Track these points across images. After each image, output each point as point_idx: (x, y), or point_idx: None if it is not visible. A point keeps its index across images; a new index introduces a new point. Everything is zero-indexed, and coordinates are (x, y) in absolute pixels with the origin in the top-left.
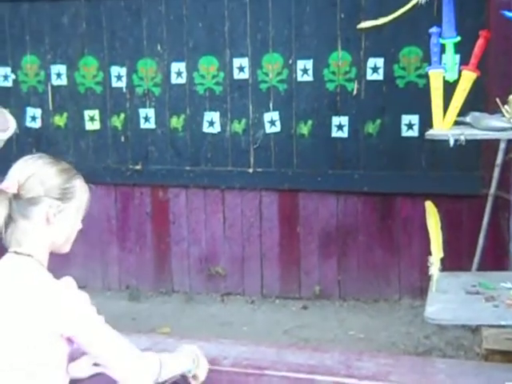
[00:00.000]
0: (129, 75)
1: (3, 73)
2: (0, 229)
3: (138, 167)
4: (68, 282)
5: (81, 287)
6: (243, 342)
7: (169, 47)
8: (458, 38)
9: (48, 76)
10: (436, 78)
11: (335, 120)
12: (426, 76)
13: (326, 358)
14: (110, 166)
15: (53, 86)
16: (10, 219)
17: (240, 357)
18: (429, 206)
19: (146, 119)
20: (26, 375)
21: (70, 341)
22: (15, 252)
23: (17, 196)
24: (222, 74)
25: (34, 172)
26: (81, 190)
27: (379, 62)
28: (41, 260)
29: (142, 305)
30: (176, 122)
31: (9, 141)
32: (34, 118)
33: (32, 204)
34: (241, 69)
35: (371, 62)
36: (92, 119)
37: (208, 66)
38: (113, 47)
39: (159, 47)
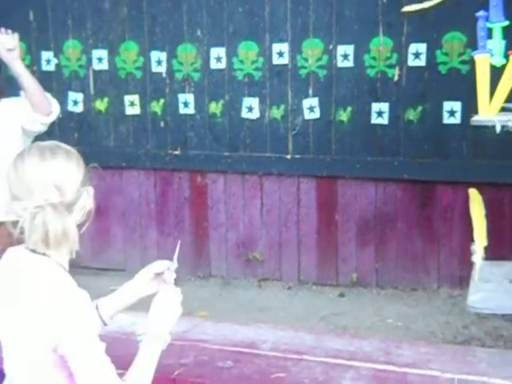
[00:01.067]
0: (169, 60)
1: (46, 57)
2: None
3: (177, 152)
4: (81, 296)
5: (120, 270)
6: (282, 327)
7: (209, 32)
8: (506, 22)
9: (89, 61)
10: (482, 63)
11: (375, 106)
12: (470, 62)
13: (365, 345)
14: (150, 151)
15: (94, 71)
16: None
17: (279, 341)
18: (473, 193)
19: (185, 104)
20: (23, 375)
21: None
22: (33, 250)
23: (61, 203)
24: (261, 60)
25: (64, 173)
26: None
27: (421, 47)
28: (64, 257)
29: (179, 288)
30: (215, 107)
31: (51, 125)
32: (75, 103)
33: (74, 204)
34: (280, 54)
35: (413, 47)
36: (132, 104)
37: (247, 51)
38: (153, 32)
39: (199, 32)
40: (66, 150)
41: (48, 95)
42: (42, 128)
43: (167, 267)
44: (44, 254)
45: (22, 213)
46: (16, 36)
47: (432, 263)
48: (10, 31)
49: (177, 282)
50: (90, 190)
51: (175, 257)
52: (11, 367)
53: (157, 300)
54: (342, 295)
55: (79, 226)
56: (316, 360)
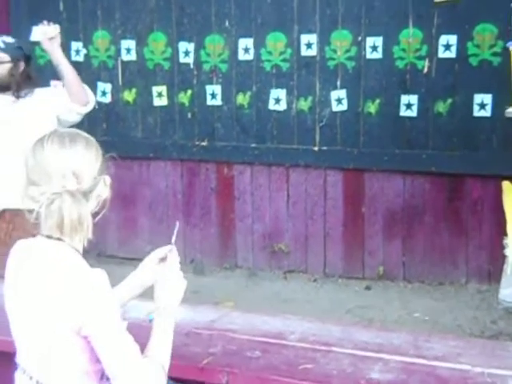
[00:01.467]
0: (196, 51)
1: (75, 47)
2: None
3: (204, 143)
4: (100, 276)
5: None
6: (309, 318)
7: (237, 23)
8: None
9: (118, 51)
10: None
11: (404, 99)
12: (501, 54)
13: (394, 338)
14: (177, 142)
15: (122, 62)
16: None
17: (306, 332)
18: (506, 185)
19: (213, 96)
20: (39, 363)
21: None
22: (48, 236)
23: (78, 190)
24: (289, 51)
25: (83, 160)
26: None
27: (452, 39)
28: (78, 243)
29: (205, 279)
30: (242, 98)
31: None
32: (104, 93)
33: (91, 191)
34: (308, 45)
35: (443, 39)
36: (160, 95)
37: (275, 42)
38: (181, 23)
39: (227, 23)
40: (86, 138)
41: (85, 86)
42: (77, 118)
43: (169, 250)
44: (59, 239)
45: (39, 198)
46: (57, 26)
47: (460, 257)
48: (51, 23)
49: (202, 271)
50: (107, 179)
51: (173, 238)
52: (27, 356)
53: (160, 278)
54: (368, 288)
55: (94, 215)
56: (344, 352)
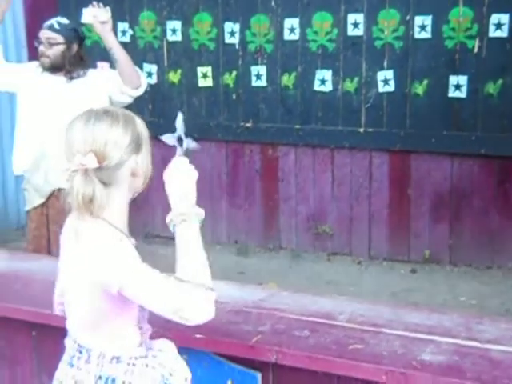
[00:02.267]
0: (242, 31)
1: (121, 28)
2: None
3: (249, 125)
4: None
5: None
6: (358, 299)
7: (282, 3)
8: None
9: (164, 32)
10: None
11: (453, 79)
12: None
13: (445, 320)
14: (222, 123)
15: (168, 42)
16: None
17: (355, 313)
18: None
19: (258, 77)
20: (92, 326)
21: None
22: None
23: (98, 169)
24: (335, 31)
25: (106, 139)
26: (142, 129)
27: (504, 18)
28: (118, 219)
29: (249, 260)
30: (287, 79)
31: None
32: (150, 74)
33: (116, 169)
34: (355, 25)
35: (494, 18)
36: (205, 76)
37: (322, 22)
38: (227, 3)
39: (273, 3)
40: (115, 115)
41: (137, 69)
42: (128, 100)
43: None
44: (99, 217)
45: (64, 175)
46: (108, 9)
47: (508, 241)
48: (101, 4)
49: (246, 252)
50: (142, 159)
51: (179, 127)
52: (73, 322)
53: (169, 177)
54: (413, 271)
55: (130, 194)
56: (394, 333)
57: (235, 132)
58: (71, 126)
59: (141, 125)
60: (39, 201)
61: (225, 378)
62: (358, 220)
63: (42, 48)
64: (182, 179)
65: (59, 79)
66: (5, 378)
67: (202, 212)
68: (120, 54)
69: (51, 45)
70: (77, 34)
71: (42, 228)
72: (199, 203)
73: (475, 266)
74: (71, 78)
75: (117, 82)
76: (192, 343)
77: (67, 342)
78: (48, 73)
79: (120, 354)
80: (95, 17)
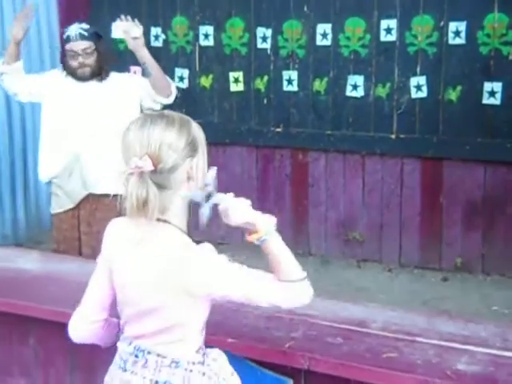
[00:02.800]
0: (274, 37)
1: (154, 33)
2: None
3: (280, 129)
4: (206, 247)
5: (222, 244)
6: (391, 307)
7: (315, 8)
8: None
9: (196, 36)
10: None
11: (487, 86)
12: None
13: (480, 330)
14: (253, 128)
15: (200, 47)
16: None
17: (389, 322)
18: None
19: (289, 82)
20: (164, 330)
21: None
22: (157, 219)
23: (154, 171)
24: (368, 36)
25: (160, 142)
26: (198, 132)
27: None
28: (181, 223)
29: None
30: (319, 85)
31: None
32: (181, 79)
33: (171, 173)
34: (388, 31)
35: None
36: (236, 81)
37: (354, 27)
38: (260, 8)
39: (306, 8)
40: (171, 119)
41: (168, 79)
42: (158, 106)
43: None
44: (165, 221)
45: (121, 177)
46: (139, 25)
47: None
48: (129, 18)
49: None
50: (197, 163)
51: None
52: (140, 326)
53: (229, 217)
54: (445, 280)
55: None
56: (429, 342)
57: (266, 137)
58: (128, 129)
59: (196, 128)
60: (70, 205)
61: (257, 383)
62: (389, 227)
63: (80, 60)
64: (238, 214)
65: (88, 84)
66: (38, 379)
67: (274, 220)
68: (153, 68)
69: (88, 54)
70: (99, 35)
71: (74, 229)
72: None
73: (508, 275)
74: (101, 80)
75: (148, 90)
76: (225, 348)
77: (120, 345)
78: (70, 78)
79: (180, 359)
80: (126, 32)
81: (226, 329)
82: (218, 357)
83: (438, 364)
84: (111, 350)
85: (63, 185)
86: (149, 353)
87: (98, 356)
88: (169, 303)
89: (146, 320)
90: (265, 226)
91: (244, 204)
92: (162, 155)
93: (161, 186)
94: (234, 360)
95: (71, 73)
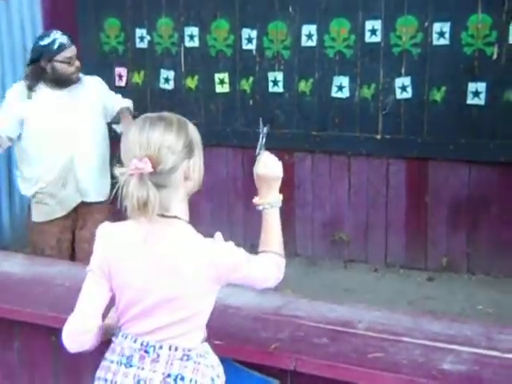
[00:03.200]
0: (259, 38)
1: (139, 34)
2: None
3: (268, 130)
4: (217, 236)
5: None
6: (377, 307)
7: (300, 9)
8: None
9: (181, 38)
10: None
11: (471, 86)
12: None
13: (465, 329)
14: (238, 129)
15: (185, 48)
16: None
17: (375, 322)
18: None
19: (275, 83)
20: (179, 322)
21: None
22: (162, 215)
23: (153, 173)
24: (353, 37)
25: (160, 144)
26: (195, 134)
27: None
28: (186, 219)
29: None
30: (304, 85)
31: (143, 102)
32: (167, 80)
33: (170, 173)
34: (373, 32)
35: None
36: (222, 82)
37: (339, 28)
38: (245, 10)
39: (291, 9)
40: (169, 121)
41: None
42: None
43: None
44: (175, 217)
45: (120, 178)
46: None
47: None
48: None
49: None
50: (193, 163)
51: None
52: (150, 322)
53: (259, 169)
54: (430, 279)
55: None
56: (414, 342)
57: (252, 138)
58: (129, 130)
59: (193, 130)
60: (61, 214)
61: None
62: (375, 227)
63: (77, 64)
64: (269, 171)
65: (60, 92)
66: (22, 383)
67: (281, 198)
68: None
69: (77, 58)
70: None
71: (66, 232)
72: (216, 208)
73: (493, 274)
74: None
75: (112, 100)
76: (211, 349)
77: (121, 343)
78: (45, 88)
79: (190, 351)
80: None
81: (213, 330)
82: (208, 350)
83: (424, 364)
84: (95, 353)
85: (56, 193)
86: (160, 347)
87: (83, 359)
88: (186, 294)
89: (157, 314)
90: (274, 198)
91: (277, 169)
92: (162, 157)
93: (160, 186)
94: (220, 361)
95: (63, 80)
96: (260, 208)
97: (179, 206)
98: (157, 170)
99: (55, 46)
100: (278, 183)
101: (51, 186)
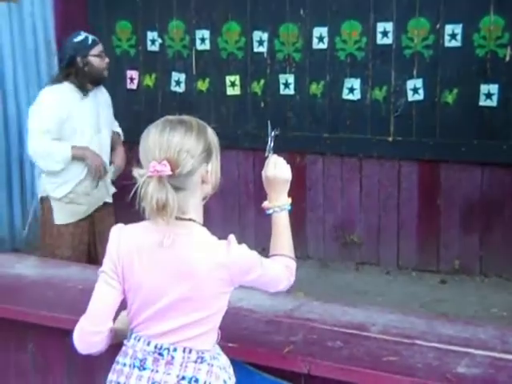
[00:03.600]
0: (270, 40)
1: (151, 37)
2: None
3: (277, 133)
4: (231, 239)
5: None
6: (390, 310)
7: (311, 11)
8: None
9: (192, 41)
10: None
11: (484, 88)
12: None
13: (480, 332)
14: (249, 132)
15: (197, 51)
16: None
17: (388, 325)
18: None
19: (286, 85)
20: (193, 324)
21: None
22: (178, 218)
23: (172, 175)
24: (364, 39)
25: (180, 147)
26: (213, 138)
27: None
28: (201, 222)
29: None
30: (315, 88)
31: (154, 104)
32: (178, 83)
33: (188, 176)
34: (384, 34)
35: None
36: (233, 84)
37: (350, 30)
38: (256, 12)
39: (302, 11)
40: (189, 125)
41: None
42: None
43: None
44: (190, 219)
45: (139, 180)
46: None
47: None
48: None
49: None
50: (211, 167)
51: (269, 145)
52: (166, 324)
53: (268, 172)
54: (443, 282)
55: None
56: (428, 345)
57: (263, 140)
58: (147, 133)
59: (212, 134)
60: (86, 214)
61: None
62: (387, 230)
63: (107, 60)
64: (277, 174)
65: (86, 94)
66: None
67: (290, 201)
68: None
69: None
70: None
71: (86, 234)
72: (227, 211)
73: (506, 277)
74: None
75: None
76: (224, 352)
77: (134, 345)
78: (76, 93)
79: (204, 353)
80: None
81: (226, 333)
82: (219, 351)
83: (438, 367)
84: (109, 356)
85: (90, 192)
86: (175, 350)
87: (96, 362)
88: (199, 296)
89: (171, 316)
90: (283, 201)
91: (286, 173)
92: (181, 160)
93: (178, 189)
94: (233, 364)
95: (97, 77)
96: (270, 212)
97: (196, 208)
98: (175, 173)
99: (89, 41)
100: (287, 186)
101: (85, 185)
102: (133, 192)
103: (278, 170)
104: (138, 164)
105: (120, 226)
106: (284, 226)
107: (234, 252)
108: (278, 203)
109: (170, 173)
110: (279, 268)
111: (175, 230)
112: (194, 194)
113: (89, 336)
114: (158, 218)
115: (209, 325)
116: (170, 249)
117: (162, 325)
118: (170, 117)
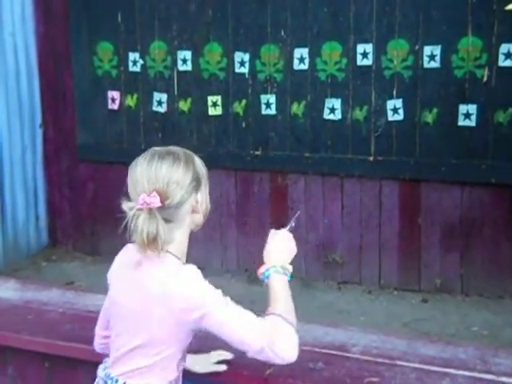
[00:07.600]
0: (252, 61)
1: (132, 58)
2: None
3: (258, 153)
4: (191, 271)
5: (200, 268)
6: (372, 330)
7: (292, 33)
8: None
9: (174, 61)
10: None
11: (462, 108)
12: None
13: (460, 352)
14: (231, 151)
15: (178, 72)
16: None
17: (369, 345)
18: None
19: (267, 105)
20: (143, 355)
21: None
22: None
23: (161, 207)
24: (344, 60)
25: (168, 178)
26: (201, 167)
27: None
28: (180, 252)
29: (260, 288)
30: (297, 108)
31: (136, 125)
32: (160, 103)
33: (177, 208)
34: (364, 55)
35: (504, 47)
36: (215, 105)
37: (331, 51)
38: (237, 33)
39: (282, 33)
40: (176, 155)
41: None
42: None
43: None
44: (167, 251)
45: (129, 213)
46: None
47: None
48: None
49: (257, 281)
50: (200, 197)
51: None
52: (120, 352)
53: (270, 240)
54: (424, 301)
55: (189, 229)
56: (410, 366)
57: (245, 160)
58: (135, 164)
59: (200, 164)
60: None
61: None
62: (368, 249)
63: None
64: (280, 243)
65: None
66: None
67: (291, 269)
68: None
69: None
70: None
71: None
72: (209, 231)
73: (487, 295)
74: None
75: None
76: (203, 375)
77: (100, 369)
78: None
79: None
80: None
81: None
82: None
83: None
84: (89, 377)
85: None
86: (116, 381)
87: None
88: (151, 330)
89: (123, 345)
90: (280, 263)
91: (292, 250)
92: (170, 191)
93: (166, 220)
94: None
95: None
96: (265, 274)
97: (180, 241)
98: (165, 205)
99: None
100: (290, 256)
101: None
102: (123, 225)
103: (291, 241)
104: (127, 197)
105: (130, 245)
106: (280, 288)
107: (181, 288)
108: (274, 263)
109: (160, 204)
110: (254, 321)
111: (149, 258)
112: (180, 225)
113: (98, 340)
114: (148, 250)
115: (154, 358)
116: (142, 276)
117: (113, 352)
118: (157, 148)
